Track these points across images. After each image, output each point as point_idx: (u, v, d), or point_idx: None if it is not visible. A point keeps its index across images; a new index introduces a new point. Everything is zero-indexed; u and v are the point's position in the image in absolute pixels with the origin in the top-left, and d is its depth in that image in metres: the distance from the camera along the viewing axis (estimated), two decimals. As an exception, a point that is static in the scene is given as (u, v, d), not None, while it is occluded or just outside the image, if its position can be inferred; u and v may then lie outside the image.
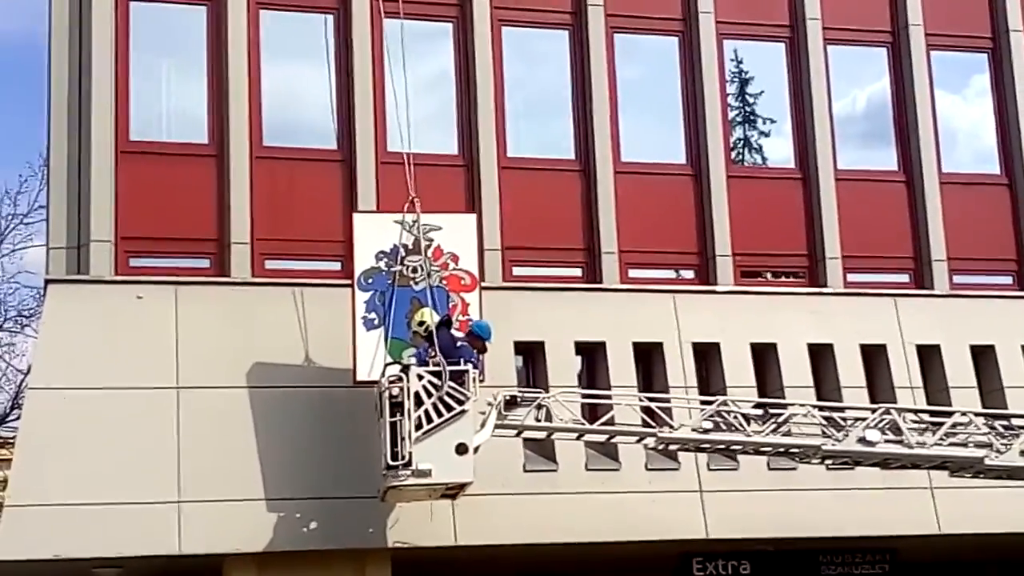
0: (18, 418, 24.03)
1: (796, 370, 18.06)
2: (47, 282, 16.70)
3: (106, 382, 15.82)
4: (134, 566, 15.81)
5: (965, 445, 14.69)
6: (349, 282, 16.19)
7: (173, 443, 15.70)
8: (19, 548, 14.87)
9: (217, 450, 15.71)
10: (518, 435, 15.38)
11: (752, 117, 19.65)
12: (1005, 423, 15.07)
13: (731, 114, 19.42)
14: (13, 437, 24.04)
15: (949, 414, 15.18)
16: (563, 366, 17.32)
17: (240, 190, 17.21)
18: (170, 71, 17.93)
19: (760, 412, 15.24)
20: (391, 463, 14.38)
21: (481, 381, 14.94)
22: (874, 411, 14.91)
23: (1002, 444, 14.51)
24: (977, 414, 15.21)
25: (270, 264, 17.24)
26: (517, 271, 17.96)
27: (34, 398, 15.97)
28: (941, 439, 14.59)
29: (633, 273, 18.40)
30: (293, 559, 15.69)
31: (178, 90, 17.92)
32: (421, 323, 15.27)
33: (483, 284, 16.61)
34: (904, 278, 19.44)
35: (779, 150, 19.60)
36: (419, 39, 17.88)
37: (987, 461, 14.46)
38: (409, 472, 14.33)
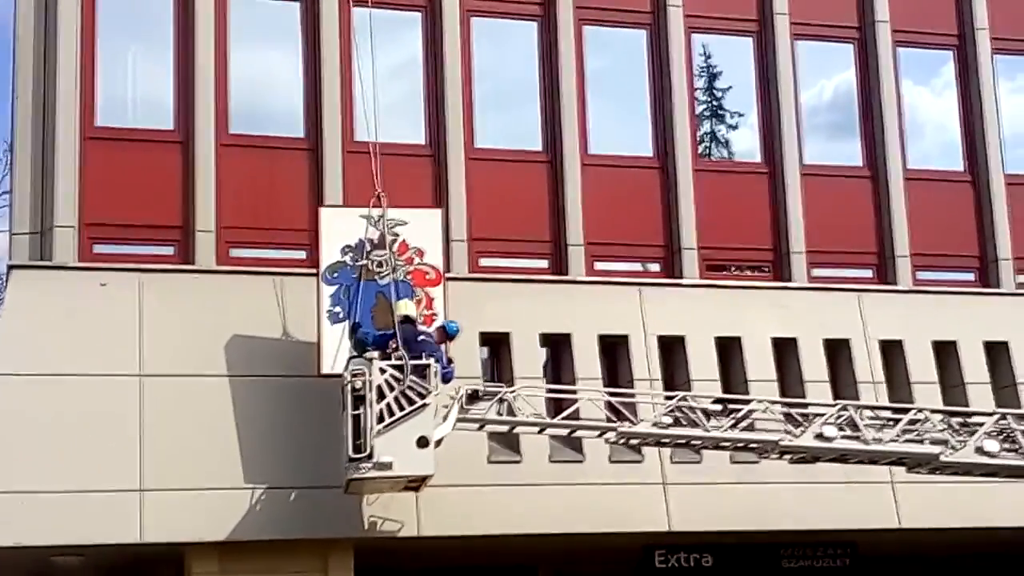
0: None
1: (760, 364, 18.16)
2: (10, 267, 16.61)
3: (69, 369, 15.75)
4: (95, 554, 15.83)
5: (921, 441, 14.83)
6: (315, 271, 16.19)
7: (135, 431, 15.66)
8: (-21, 536, 14.86)
9: (180, 439, 15.68)
10: (480, 429, 15.44)
11: (719, 111, 19.72)
12: (961, 420, 15.20)
13: (698, 108, 19.48)
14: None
15: (906, 411, 15.32)
16: (529, 358, 17.36)
17: (206, 177, 17.15)
18: (137, 57, 17.82)
19: (720, 407, 15.34)
20: (353, 455, 14.49)
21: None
22: (832, 407, 15.02)
23: (958, 441, 14.65)
24: (933, 411, 15.34)
25: (235, 252, 17.20)
26: (484, 262, 17.99)
27: (-4, 384, 15.93)
28: (898, 435, 14.74)
29: (599, 266, 18.45)
30: (255, 549, 15.70)
31: (145, 76, 17.81)
32: (404, 315, 15.32)
33: (449, 275, 16.65)
34: (868, 273, 19.57)
35: (746, 144, 19.68)
36: (388, 28, 17.82)
37: (942, 458, 14.61)
38: (371, 464, 14.43)
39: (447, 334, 15.66)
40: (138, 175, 17.12)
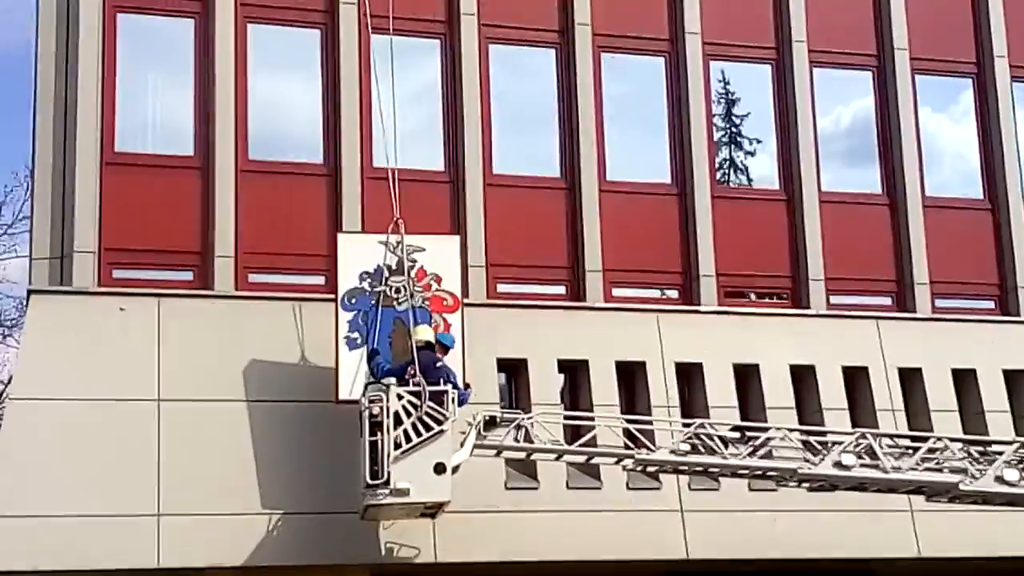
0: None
1: (778, 391, 18.10)
2: (30, 292, 16.67)
3: (87, 393, 15.79)
4: (112, 579, 15.83)
5: (940, 470, 14.76)
6: (333, 297, 16.22)
7: (153, 456, 15.69)
8: (-3, 560, 14.88)
9: (197, 464, 15.70)
10: (497, 455, 15.44)
11: (737, 138, 19.73)
12: (981, 448, 15.13)
13: (716, 134, 19.48)
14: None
15: (925, 439, 15.26)
16: (546, 384, 17.34)
17: (225, 203, 17.21)
18: (156, 83, 17.90)
19: (738, 435, 15.31)
20: (370, 481, 14.49)
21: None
22: (851, 435, 14.97)
23: (977, 470, 14.58)
24: (952, 439, 15.28)
25: (254, 278, 17.23)
26: (501, 288, 18.00)
27: (15, 408, 15.93)
28: (917, 464, 14.68)
29: (617, 292, 18.45)
30: (272, 574, 15.67)
31: (164, 102, 17.90)
32: (425, 341, 15.38)
33: (467, 301, 16.65)
34: (887, 301, 19.52)
35: (764, 171, 19.68)
36: (406, 55, 17.89)
37: (962, 487, 14.54)
38: (388, 491, 14.42)
39: (443, 346, 15.65)
40: (157, 201, 17.19)
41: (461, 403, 15.11)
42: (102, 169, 16.99)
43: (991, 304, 19.94)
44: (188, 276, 17.11)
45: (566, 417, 16.38)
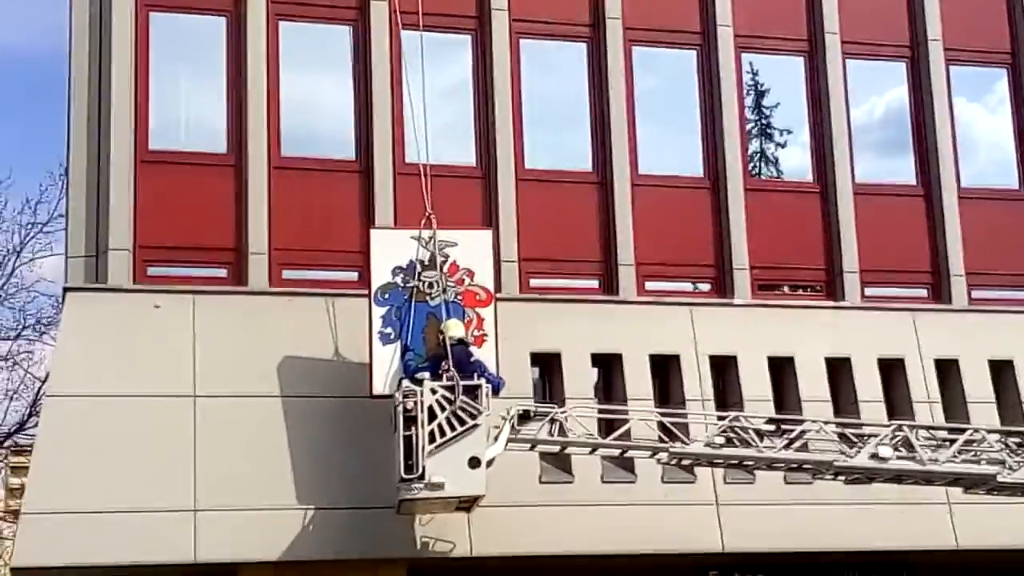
0: (35, 425, 24.19)
1: (814, 384, 18.03)
2: (65, 290, 16.79)
3: (123, 390, 15.89)
4: (149, 574, 15.90)
5: (978, 462, 14.67)
6: (366, 292, 16.26)
7: (190, 451, 15.78)
8: (35, 555, 14.97)
9: (233, 459, 15.78)
10: (531, 449, 15.44)
11: (770, 130, 19.65)
12: (1018, 439, 15.02)
13: (749, 127, 19.42)
14: (31, 445, 24.28)
15: (962, 430, 15.17)
16: (580, 378, 17.34)
17: (258, 200, 17.29)
18: (189, 81, 18.01)
19: (773, 427, 15.25)
20: (405, 476, 14.52)
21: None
22: (887, 427, 14.89)
23: (1015, 461, 14.49)
24: (990, 431, 15.18)
25: (287, 274, 17.31)
26: (534, 283, 17.99)
27: (51, 406, 16.05)
28: (954, 455, 14.58)
29: (650, 285, 18.40)
30: (309, 568, 15.72)
31: (197, 100, 18.00)
32: (459, 337, 15.39)
33: (500, 296, 16.65)
34: (922, 292, 19.41)
35: (797, 163, 19.59)
36: (437, 50, 17.89)
37: (1000, 478, 14.45)
38: (422, 485, 14.46)
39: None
40: (191, 198, 17.28)
41: (496, 390, 15.11)
42: (136, 167, 17.08)
43: (1027, 294, 19.81)
44: (222, 273, 17.19)
45: (600, 411, 16.38)
